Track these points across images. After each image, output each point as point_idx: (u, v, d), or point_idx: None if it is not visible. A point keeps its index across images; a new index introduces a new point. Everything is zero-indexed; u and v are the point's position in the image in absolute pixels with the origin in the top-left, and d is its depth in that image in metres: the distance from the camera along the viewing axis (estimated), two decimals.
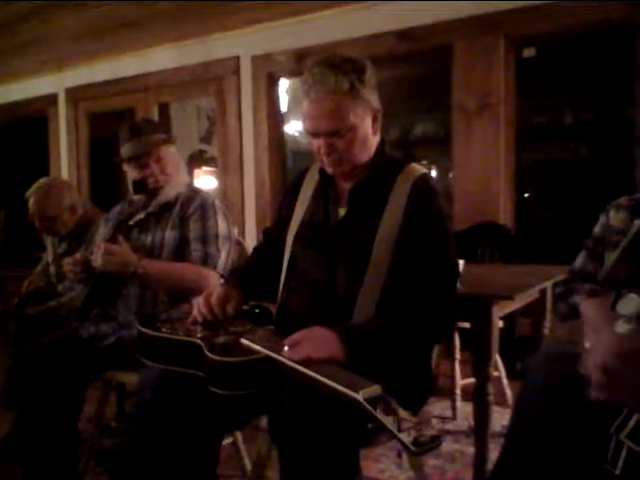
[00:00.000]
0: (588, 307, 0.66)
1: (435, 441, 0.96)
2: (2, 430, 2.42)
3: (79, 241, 2.59)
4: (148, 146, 2.10)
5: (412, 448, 0.94)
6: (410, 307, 1.38)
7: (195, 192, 2.17)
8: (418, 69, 4.53)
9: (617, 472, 0.81)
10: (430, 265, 1.42)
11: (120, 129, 2.16)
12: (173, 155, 2.19)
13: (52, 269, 2.74)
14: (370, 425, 1.35)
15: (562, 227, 3.90)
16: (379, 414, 1.00)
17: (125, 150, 2.12)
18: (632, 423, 0.77)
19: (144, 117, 4.29)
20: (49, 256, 2.79)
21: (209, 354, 1.31)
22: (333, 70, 1.40)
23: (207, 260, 2.02)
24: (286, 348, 1.24)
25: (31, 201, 2.63)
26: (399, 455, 1.58)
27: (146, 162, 2.10)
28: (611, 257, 1.14)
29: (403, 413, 1.00)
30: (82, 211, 2.71)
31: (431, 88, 4.47)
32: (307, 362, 1.20)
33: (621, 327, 0.63)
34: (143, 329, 1.51)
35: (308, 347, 1.22)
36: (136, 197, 2.18)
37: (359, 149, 1.48)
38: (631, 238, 1.08)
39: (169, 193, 2.13)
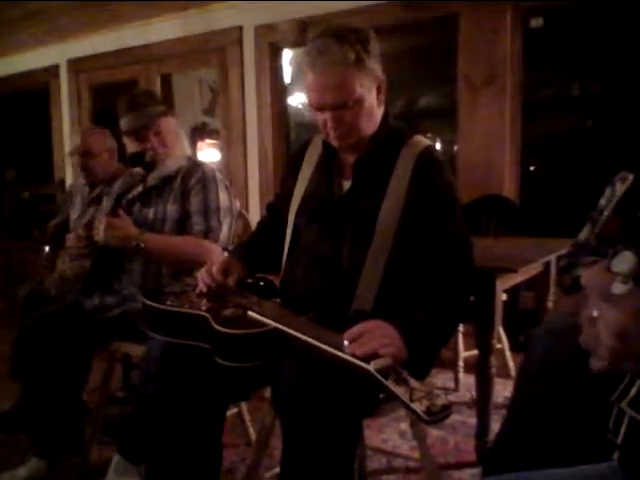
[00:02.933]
0: (591, 273, 0.65)
1: (446, 410, 0.96)
2: (9, 401, 2.46)
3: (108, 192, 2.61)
4: (147, 119, 2.07)
5: (425, 417, 0.94)
6: (442, 288, 1.36)
7: (196, 165, 2.15)
8: (423, 40, 4.45)
9: (619, 441, 0.81)
10: (442, 236, 1.41)
11: (119, 101, 2.13)
12: (173, 127, 2.16)
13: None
14: (381, 395, 1.36)
15: (567, 200, 3.87)
16: (390, 384, 1.00)
17: (124, 123, 2.10)
18: (634, 391, 0.77)
19: (143, 89, 4.24)
20: (75, 212, 2.79)
21: (217, 326, 1.31)
22: (338, 41, 1.37)
23: (209, 233, 2.02)
24: (346, 343, 1.15)
25: (76, 140, 2.79)
26: (412, 425, 1.60)
27: (145, 135, 2.07)
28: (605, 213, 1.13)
29: (414, 383, 1.00)
30: (116, 163, 2.81)
31: (436, 59, 4.41)
32: (314, 334, 1.19)
33: (617, 288, 0.61)
34: (148, 302, 1.53)
35: (373, 342, 1.14)
36: (135, 170, 2.17)
37: (365, 121, 1.45)
38: (624, 191, 1.07)
39: (170, 167, 2.11)
